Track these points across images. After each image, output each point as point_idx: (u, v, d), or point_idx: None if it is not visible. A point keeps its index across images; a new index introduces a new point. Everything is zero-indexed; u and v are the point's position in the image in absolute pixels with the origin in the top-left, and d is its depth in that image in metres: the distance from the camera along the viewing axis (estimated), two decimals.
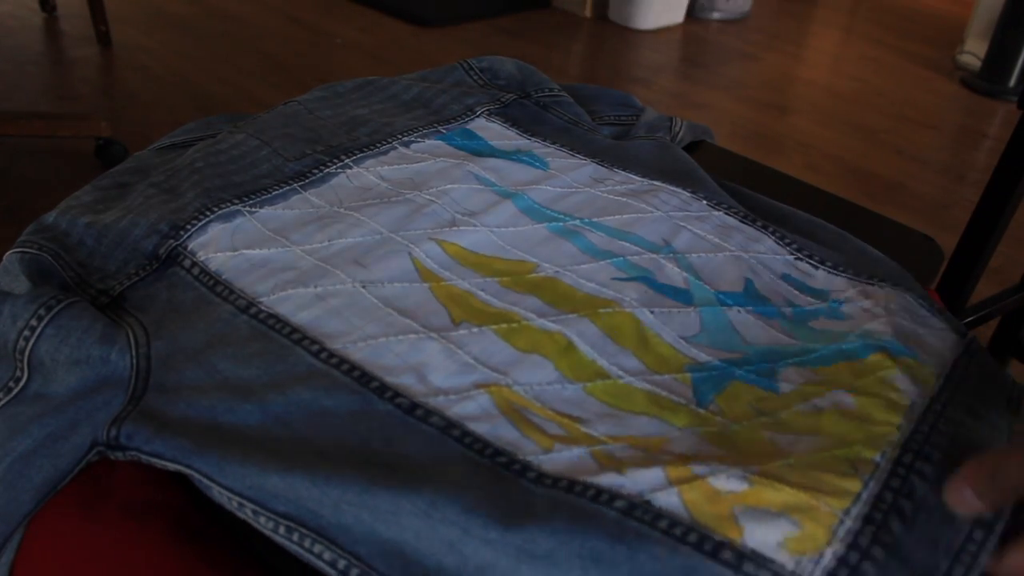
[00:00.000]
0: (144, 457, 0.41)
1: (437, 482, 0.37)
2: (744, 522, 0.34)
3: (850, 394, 0.42)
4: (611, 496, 0.35)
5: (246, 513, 0.38)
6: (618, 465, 0.38)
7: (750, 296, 0.52)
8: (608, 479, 0.36)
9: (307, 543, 0.37)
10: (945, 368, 0.45)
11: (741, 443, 0.39)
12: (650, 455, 0.39)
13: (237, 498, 0.38)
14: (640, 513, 0.34)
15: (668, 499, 0.35)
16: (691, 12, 2.91)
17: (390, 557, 0.36)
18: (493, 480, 0.37)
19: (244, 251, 0.52)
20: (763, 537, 0.33)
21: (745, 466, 0.36)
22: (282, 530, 0.38)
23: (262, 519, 0.38)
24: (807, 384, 0.44)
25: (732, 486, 0.35)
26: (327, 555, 0.37)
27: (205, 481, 0.39)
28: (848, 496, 0.35)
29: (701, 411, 0.42)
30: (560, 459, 0.39)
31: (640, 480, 0.36)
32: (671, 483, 0.35)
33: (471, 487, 0.37)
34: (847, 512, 0.34)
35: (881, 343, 0.46)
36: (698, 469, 0.36)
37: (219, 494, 0.39)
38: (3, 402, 0.44)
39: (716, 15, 2.94)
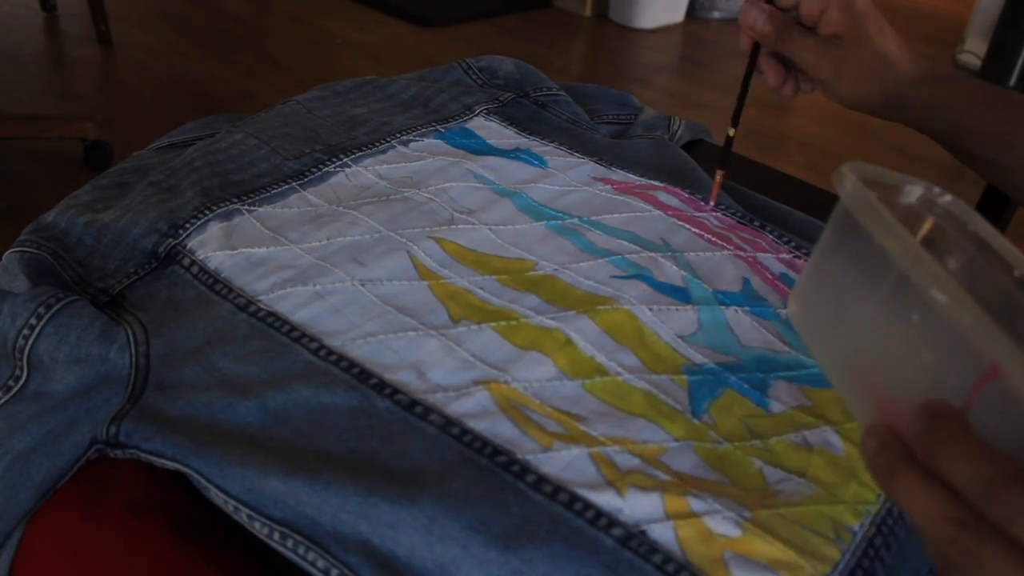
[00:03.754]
0: (143, 455, 0.41)
1: (438, 494, 0.37)
2: (734, 569, 0.35)
3: (839, 436, 0.44)
4: (609, 522, 0.37)
5: (241, 517, 0.39)
6: (617, 480, 0.38)
7: (748, 296, 0.52)
8: (607, 499, 0.37)
9: (301, 550, 0.37)
10: None
11: (733, 467, 0.41)
12: (647, 467, 0.39)
13: (233, 502, 0.39)
14: (636, 544, 0.36)
15: (663, 533, 0.36)
16: (691, 11, 2.91)
17: (380, 569, 0.36)
18: (495, 490, 0.38)
19: (243, 249, 0.52)
20: None
21: (739, 509, 0.38)
22: (276, 536, 0.38)
23: (257, 524, 0.38)
24: (797, 409, 0.45)
25: (726, 530, 0.37)
26: (320, 563, 0.37)
27: (203, 482, 0.40)
28: (829, 562, 0.37)
29: (696, 422, 0.43)
30: (559, 459, 0.39)
31: (638, 507, 0.37)
32: (668, 516, 0.37)
33: (473, 500, 0.37)
34: None
35: None
36: (696, 505, 0.37)
37: (216, 496, 0.39)
38: (2, 401, 0.44)
39: (716, 14, 2.93)
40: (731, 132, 0.55)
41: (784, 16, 0.54)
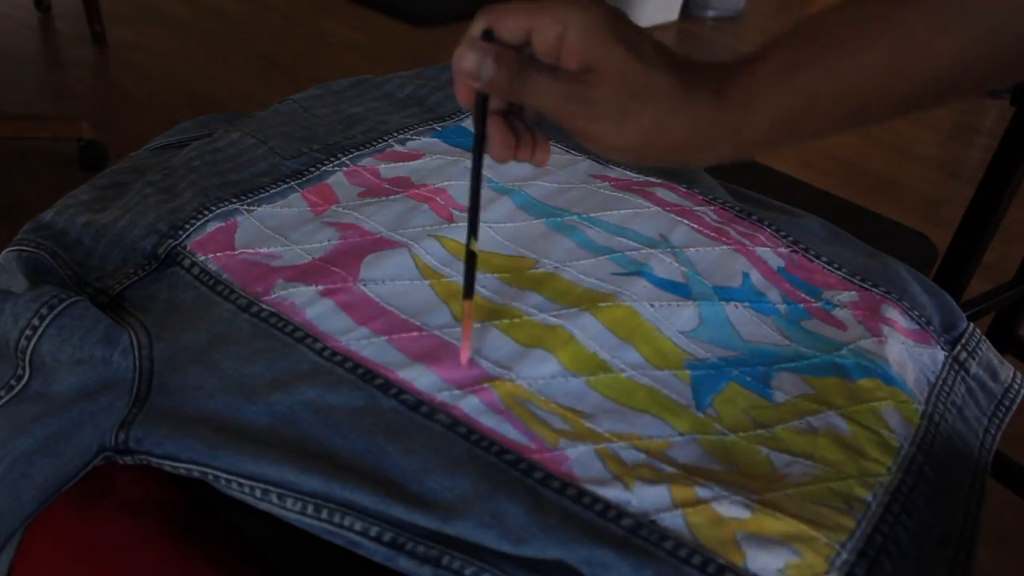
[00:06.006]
0: (155, 460, 0.40)
1: (448, 496, 0.37)
2: (746, 548, 0.35)
3: (844, 419, 0.44)
4: (619, 513, 0.37)
5: (271, 500, 0.38)
6: (624, 474, 0.38)
7: (747, 291, 0.53)
8: (615, 493, 0.37)
9: (337, 518, 0.37)
10: (925, 405, 0.48)
11: (739, 457, 0.41)
12: (653, 462, 0.40)
13: (261, 486, 0.38)
14: (646, 532, 0.36)
15: (673, 520, 0.36)
16: (686, 10, 2.91)
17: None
18: (503, 486, 0.38)
19: (243, 250, 0.52)
20: (765, 563, 0.35)
21: (747, 492, 0.37)
22: (310, 509, 0.37)
23: (289, 501, 0.37)
24: (801, 398, 0.45)
25: (735, 512, 0.36)
26: (358, 525, 0.36)
27: (224, 478, 0.38)
28: (844, 531, 0.36)
29: (700, 415, 0.43)
30: (566, 456, 0.39)
31: (646, 498, 0.37)
32: (676, 505, 0.37)
33: (483, 497, 0.37)
34: (843, 545, 0.36)
35: (873, 366, 0.48)
36: (703, 493, 0.37)
37: (239, 486, 0.38)
38: (4, 400, 0.44)
39: (711, 13, 2.94)
40: (474, 247, 0.43)
41: (517, 55, 0.39)
